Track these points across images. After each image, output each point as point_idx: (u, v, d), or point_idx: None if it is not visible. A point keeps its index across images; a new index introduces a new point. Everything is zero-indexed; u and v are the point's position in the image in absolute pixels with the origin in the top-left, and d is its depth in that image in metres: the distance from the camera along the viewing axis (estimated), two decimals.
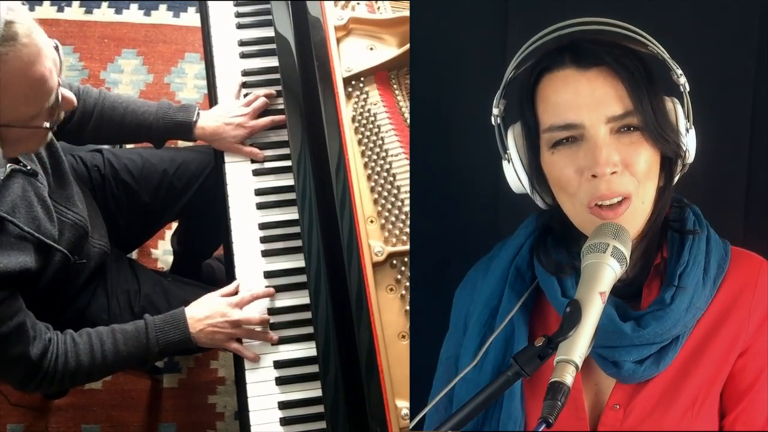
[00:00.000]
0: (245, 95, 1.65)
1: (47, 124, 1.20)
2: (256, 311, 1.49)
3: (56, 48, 1.19)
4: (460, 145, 1.49)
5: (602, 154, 1.00)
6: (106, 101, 1.58)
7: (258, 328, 1.48)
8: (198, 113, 1.61)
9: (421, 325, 1.37)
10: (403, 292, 1.41)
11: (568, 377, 0.89)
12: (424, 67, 1.48)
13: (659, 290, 1.07)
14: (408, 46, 1.57)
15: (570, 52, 1.04)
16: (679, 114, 1.06)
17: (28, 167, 1.34)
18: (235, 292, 1.50)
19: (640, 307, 1.07)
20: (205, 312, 1.47)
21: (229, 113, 1.61)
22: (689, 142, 1.06)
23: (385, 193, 1.49)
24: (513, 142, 1.10)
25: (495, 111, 1.10)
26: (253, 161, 1.60)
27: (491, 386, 0.94)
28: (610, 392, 1.08)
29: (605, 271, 0.97)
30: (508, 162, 1.11)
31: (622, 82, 1.01)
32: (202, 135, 1.61)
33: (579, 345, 0.92)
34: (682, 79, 1.06)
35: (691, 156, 1.07)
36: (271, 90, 1.65)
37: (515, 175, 1.10)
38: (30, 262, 1.29)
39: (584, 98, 1.01)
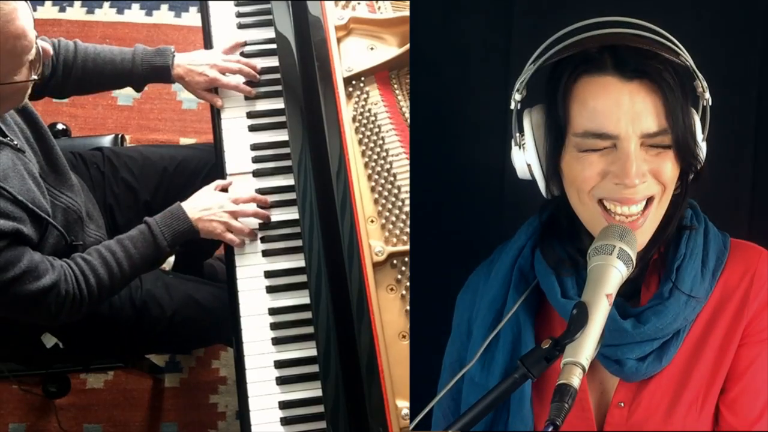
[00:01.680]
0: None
1: (34, 77, 1.25)
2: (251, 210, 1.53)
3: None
4: (461, 145, 1.49)
5: (633, 166, 1.00)
6: (86, 53, 1.60)
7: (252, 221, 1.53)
8: (174, 55, 1.64)
9: (421, 325, 1.37)
10: (404, 292, 1.41)
11: (575, 379, 0.89)
12: (424, 67, 1.47)
13: (658, 285, 1.07)
14: (408, 45, 1.57)
15: (612, 57, 1.02)
16: (697, 126, 1.06)
17: (15, 142, 1.35)
18: (229, 184, 1.55)
19: (640, 303, 1.08)
20: (203, 204, 1.51)
21: (198, 60, 1.64)
22: (702, 153, 1.07)
23: (386, 193, 1.49)
24: (530, 129, 1.08)
25: (517, 96, 1.09)
26: (253, 161, 1.60)
27: (498, 388, 0.93)
28: (614, 390, 1.08)
29: (612, 273, 0.97)
30: (520, 148, 1.10)
31: (661, 99, 1.01)
32: (176, 77, 1.64)
33: (585, 347, 0.92)
34: (707, 94, 1.06)
35: (700, 166, 1.07)
36: (255, 65, 1.66)
37: (525, 162, 1.09)
38: (25, 230, 1.31)
39: (624, 110, 1.01)
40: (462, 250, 1.43)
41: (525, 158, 1.09)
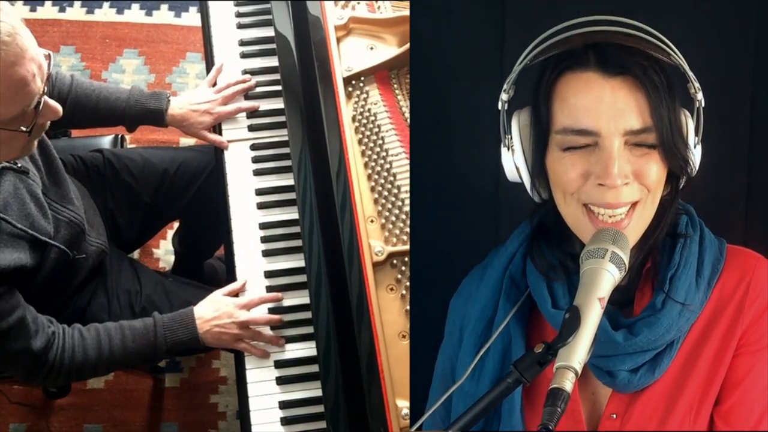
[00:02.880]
0: None
1: (23, 128, 1.19)
2: (263, 312, 1.49)
3: (48, 57, 1.19)
4: (460, 145, 1.49)
5: (615, 166, 0.98)
6: (80, 88, 1.59)
7: (265, 330, 1.48)
8: (169, 100, 1.63)
9: (421, 325, 1.37)
10: (404, 291, 1.41)
11: (568, 383, 0.88)
12: (423, 73, 1.47)
13: (651, 295, 1.06)
14: (408, 45, 1.57)
15: (596, 54, 1.00)
16: (690, 128, 1.04)
17: (19, 165, 1.34)
18: (242, 289, 1.51)
19: (633, 312, 1.06)
20: (212, 313, 1.47)
21: (197, 99, 1.63)
22: (695, 157, 1.05)
23: (386, 193, 1.49)
24: (517, 131, 1.07)
25: (504, 96, 1.07)
26: (253, 161, 1.60)
27: (491, 393, 0.93)
28: (606, 401, 1.06)
29: (604, 277, 0.96)
30: (508, 149, 1.08)
31: (645, 96, 0.99)
32: (172, 121, 1.63)
33: (578, 351, 0.91)
34: (699, 95, 1.03)
35: (694, 171, 1.06)
36: (247, 77, 1.65)
37: (513, 164, 1.08)
38: (24, 259, 1.29)
39: (605, 106, 0.99)
40: (462, 250, 1.43)
41: (513, 159, 1.08)
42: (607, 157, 0.99)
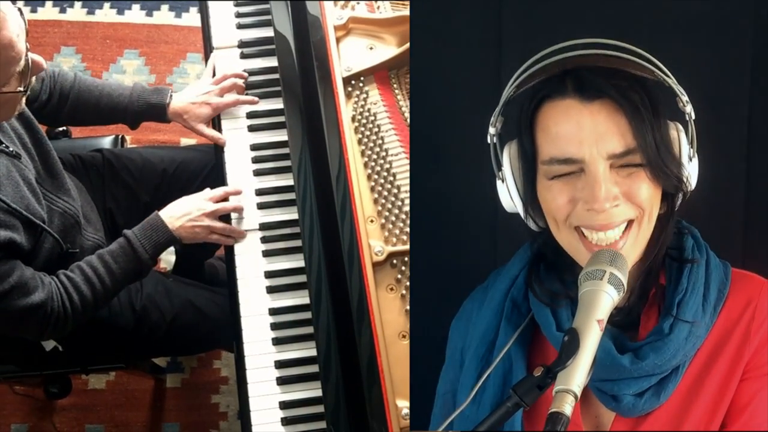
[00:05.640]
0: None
1: (21, 89, 1.23)
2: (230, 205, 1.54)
3: (20, 12, 1.21)
4: (460, 146, 1.48)
5: (602, 190, 0.97)
6: (82, 84, 1.60)
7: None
8: (171, 95, 1.64)
9: (421, 325, 1.37)
10: (404, 291, 1.41)
11: (567, 407, 0.87)
12: (424, 68, 1.47)
13: (657, 319, 1.04)
14: (408, 45, 1.56)
15: (573, 80, 0.99)
16: (683, 142, 1.02)
17: (11, 148, 1.35)
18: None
19: (638, 336, 1.05)
20: (181, 210, 1.50)
21: (196, 92, 1.64)
22: (692, 170, 1.03)
23: (385, 193, 1.49)
24: (508, 162, 1.06)
25: (492, 130, 1.06)
26: (253, 161, 1.60)
27: (491, 418, 0.92)
28: (610, 425, 1.05)
29: (602, 299, 0.95)
30: (502, 182, 1.07)
31: (626, 118, 0.98)
32: (173, 115, 1.65)
33: (577, 374, 0.90)
34: (688, 108, 1.02)
35: (692, 185, 1.04)
36: (244, 74, 1.66)
37: (508, 195, 1.07)
38: (18, 239, 1.31)
39: (586, 132, 0.98)
40: (462, 250, 1.43)
41: (507, 191, 1.07)
42: (593, 182, 0.98)
